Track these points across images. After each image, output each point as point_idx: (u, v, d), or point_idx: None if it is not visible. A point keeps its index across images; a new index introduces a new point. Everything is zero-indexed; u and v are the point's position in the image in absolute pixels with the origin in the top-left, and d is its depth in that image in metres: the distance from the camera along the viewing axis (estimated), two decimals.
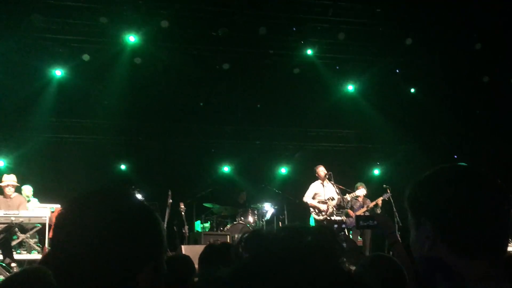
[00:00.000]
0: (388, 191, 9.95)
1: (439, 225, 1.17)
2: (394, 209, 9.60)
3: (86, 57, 10.80)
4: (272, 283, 0.71)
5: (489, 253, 1.15)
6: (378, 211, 10.00)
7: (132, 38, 10.64)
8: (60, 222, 1.09)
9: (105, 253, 1.04)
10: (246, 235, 0.82)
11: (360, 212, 10.17)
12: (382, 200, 10.12)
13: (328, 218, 9.59)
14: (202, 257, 3.01)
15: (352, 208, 10.29)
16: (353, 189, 10.08)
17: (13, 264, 7.52)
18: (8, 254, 7.76)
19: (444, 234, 1.17)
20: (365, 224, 3.05)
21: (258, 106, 12.86)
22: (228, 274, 0.76)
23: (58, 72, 11.12)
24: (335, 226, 9.13)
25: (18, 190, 8.94)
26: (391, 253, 3.09)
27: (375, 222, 2.97)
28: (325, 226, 9.05)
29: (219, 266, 2.46)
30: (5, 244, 7.82)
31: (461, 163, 1.27)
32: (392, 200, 9.80)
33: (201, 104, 12.51)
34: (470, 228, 1.15)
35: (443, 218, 1.17)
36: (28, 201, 9.21)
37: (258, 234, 0.82)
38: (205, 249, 2.98)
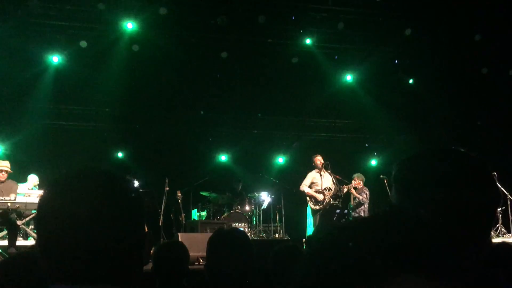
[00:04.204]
0: (385, 181, 9.94)
1: None
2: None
3: (83, 43, 10.74)
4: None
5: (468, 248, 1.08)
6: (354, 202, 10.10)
7: (130, 25, 10.58)
8: (45, 205, 1.03)
9: (95, 239, 0.99)
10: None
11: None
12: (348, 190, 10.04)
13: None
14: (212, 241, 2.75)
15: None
16: (349, 179, 10.07)
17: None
18: (13, 242, 7.64)
19: None
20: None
21: (251, 112, 12.88)
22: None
23: (55, 59, 11.04)
24: (337, 211, 9.08)
25: (12, 176, 8.86)
26: None
27: None
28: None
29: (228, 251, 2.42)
30: (12, 231, 7.67)
31: (456, 148, 1.18)
32: (389, 190, 9.80)
33: (199, 93, 12.48)
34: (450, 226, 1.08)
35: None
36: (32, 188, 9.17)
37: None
38: (215, 233, 2.72)
